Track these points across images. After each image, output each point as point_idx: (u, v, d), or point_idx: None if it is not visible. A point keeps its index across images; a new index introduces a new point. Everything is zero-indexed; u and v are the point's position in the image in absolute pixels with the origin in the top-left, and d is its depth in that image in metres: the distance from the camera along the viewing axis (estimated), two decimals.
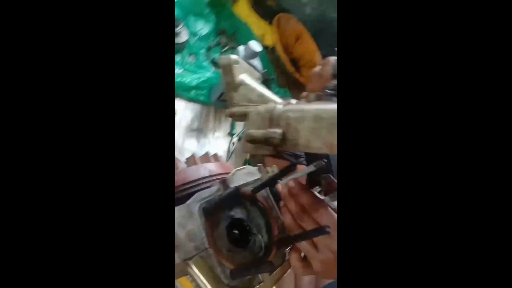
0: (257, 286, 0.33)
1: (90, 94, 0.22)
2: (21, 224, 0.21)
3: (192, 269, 0.31)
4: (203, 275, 0.31)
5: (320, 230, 0.29)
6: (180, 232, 0.33)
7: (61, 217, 0.21)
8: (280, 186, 0.37)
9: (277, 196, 0.37)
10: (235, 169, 0.39)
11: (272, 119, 0.28)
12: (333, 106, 0.24)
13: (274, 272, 0.35)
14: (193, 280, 0.31)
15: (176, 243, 0.32)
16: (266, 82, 1.19)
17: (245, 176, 0.38)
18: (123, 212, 0.22)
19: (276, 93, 0.61)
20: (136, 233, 0.22)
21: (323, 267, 0.34)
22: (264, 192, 0.37)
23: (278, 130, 0.27)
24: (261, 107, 0.30)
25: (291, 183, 0.34)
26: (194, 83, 0.96)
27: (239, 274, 0.31)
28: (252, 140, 0.29)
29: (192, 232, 0.33)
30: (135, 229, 0.22)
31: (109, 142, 0.22)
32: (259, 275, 0.34)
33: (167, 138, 0.24)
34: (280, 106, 0.29)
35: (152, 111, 0.23)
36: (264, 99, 0.32)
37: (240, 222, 0.35)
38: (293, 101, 0.31)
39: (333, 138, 0.24)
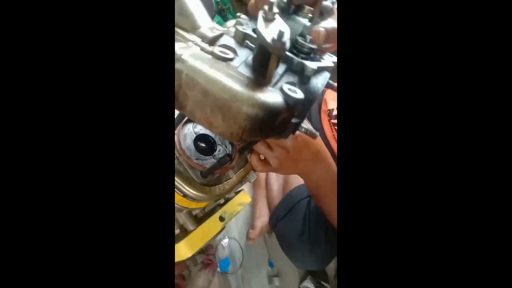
0: (225, 182, 0.40)
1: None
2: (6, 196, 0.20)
3: None
4: (177, 178, 0.37)
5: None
6: None
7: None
8: None
9: None
10: None
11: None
12: (226, 81, 0.21)
13: (239, 171, 0.42)
14: None
15: None
16: (221, 12, 1.17)
17: None
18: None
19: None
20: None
21: (279, 162, 0.41)
22: None
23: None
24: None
25: None
26: None
27: (208, 172, 0.37)
28: None
29: None
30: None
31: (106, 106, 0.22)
32: (228, 175, 0.41)
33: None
34: (184, 53, 0.23)
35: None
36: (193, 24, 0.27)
37: (205, 136, 0.40)
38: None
39: (214, 119, 0.22)
